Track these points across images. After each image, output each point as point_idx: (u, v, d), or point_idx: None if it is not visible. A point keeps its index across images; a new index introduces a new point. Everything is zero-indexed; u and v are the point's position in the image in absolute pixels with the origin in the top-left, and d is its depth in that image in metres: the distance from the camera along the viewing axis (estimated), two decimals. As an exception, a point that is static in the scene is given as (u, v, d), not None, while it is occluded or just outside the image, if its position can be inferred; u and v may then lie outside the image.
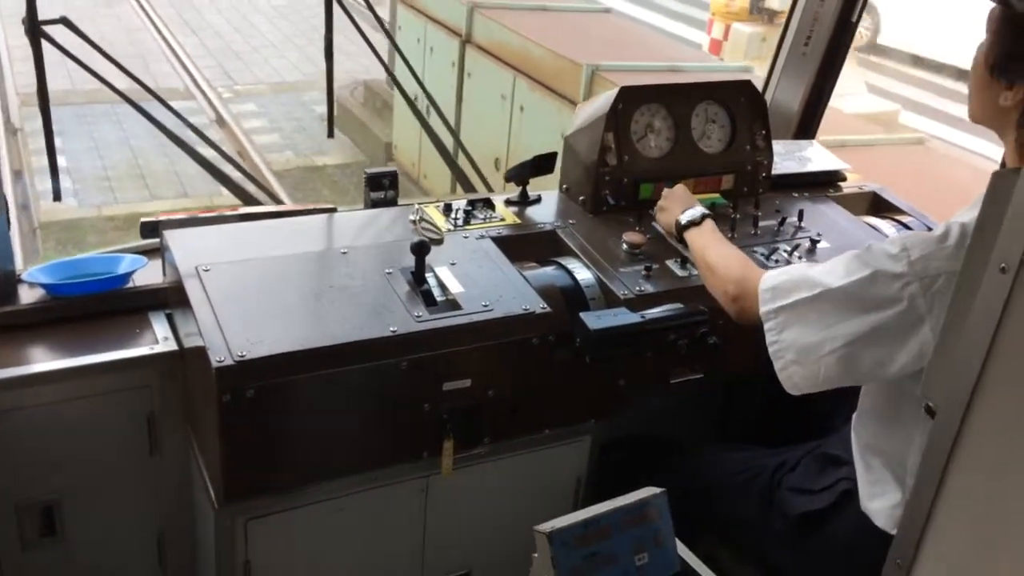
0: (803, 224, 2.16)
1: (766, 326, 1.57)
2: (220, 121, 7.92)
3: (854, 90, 7.61)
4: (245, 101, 8.89)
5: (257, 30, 11.18)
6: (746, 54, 8.92)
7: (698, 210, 1.89)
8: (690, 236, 1.86)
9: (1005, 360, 0.94)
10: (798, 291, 1.53)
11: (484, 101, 5.58)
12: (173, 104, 2.33)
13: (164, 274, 1.89)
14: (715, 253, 1.77)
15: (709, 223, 1.86)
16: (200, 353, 1.55)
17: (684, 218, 1.88)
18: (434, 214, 2.04)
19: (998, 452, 0.98)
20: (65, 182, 6.76)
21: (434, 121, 3.04)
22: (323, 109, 8.60)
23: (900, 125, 7.49)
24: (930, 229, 2.26)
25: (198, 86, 8.72)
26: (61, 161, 7.07)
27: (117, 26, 10.24)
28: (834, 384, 1.52)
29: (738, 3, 9.56)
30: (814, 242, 2.08)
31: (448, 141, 2.67)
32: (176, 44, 9.81)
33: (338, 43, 2.27)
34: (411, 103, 2.54)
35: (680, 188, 2.02)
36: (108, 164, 7.27)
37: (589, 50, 4.99)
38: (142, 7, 10.73)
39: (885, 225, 2.30)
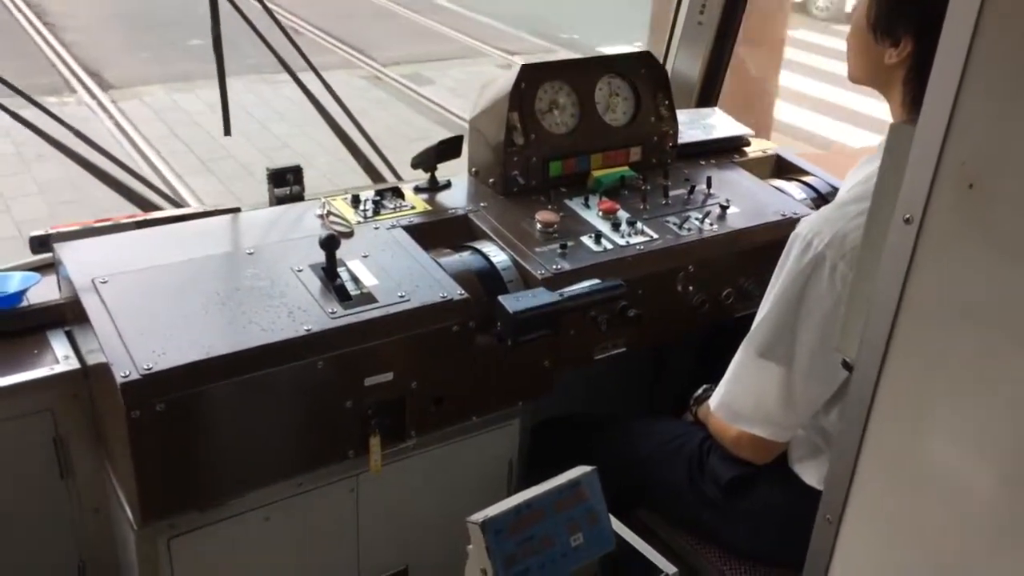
0: (712, 191, 2.18)
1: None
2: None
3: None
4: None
5: (276, 136, 6.96)
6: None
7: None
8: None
9: (915, 309, 0.95)
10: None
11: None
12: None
13: (60, 290, 1.80)
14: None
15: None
16: (104, 370, 1.48)
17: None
18: (342, 207, 1.99)
19: (914, 401, 1.00)
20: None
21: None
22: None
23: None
24: (832, 188, 2.32)
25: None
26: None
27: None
28: (823, 398, 1.56)
29: None
30: (723, 208, 2.10)
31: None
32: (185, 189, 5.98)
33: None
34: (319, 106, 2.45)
35: None
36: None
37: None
38: (120, 128, 6.96)
39: (790, 186, 2.34)
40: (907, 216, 0.93)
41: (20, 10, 9.95)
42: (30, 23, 9.61)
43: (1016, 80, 0.85)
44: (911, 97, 1.43)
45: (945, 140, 0.89)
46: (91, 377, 1.68)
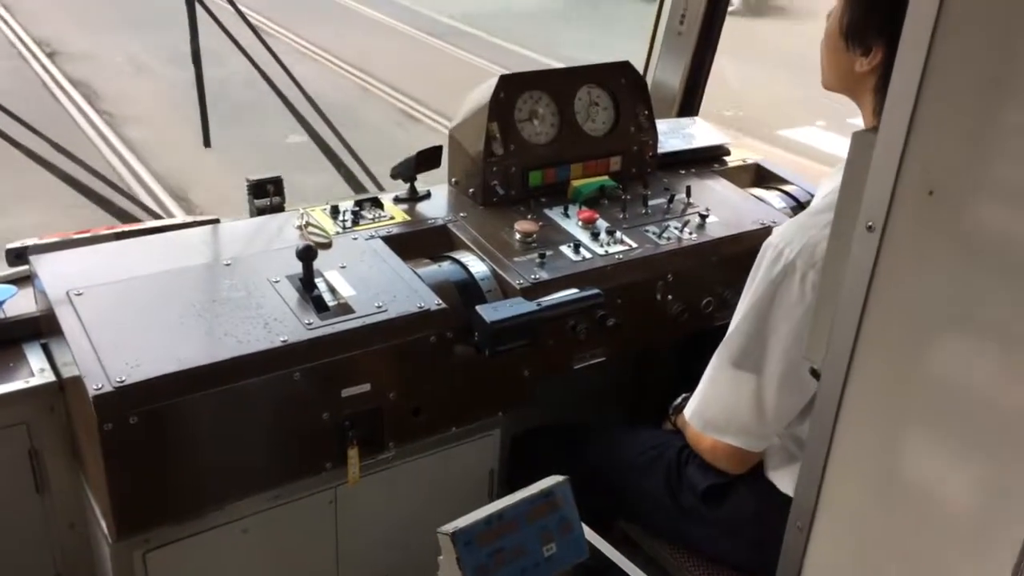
0: (691, 200, 2.18)
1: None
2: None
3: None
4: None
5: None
6: None
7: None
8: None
9: (879, 316, 0.96)
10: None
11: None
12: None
13: (36, 302, 1.79)
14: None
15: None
16: (77, 382, 1.47)
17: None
18: (321, 217, 1.99)
19: (881, 407, 1.00)
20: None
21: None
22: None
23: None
24: (811, 196, 2.33)
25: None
26: None
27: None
28: (797, 407, 1.55)
29: None
30: (703, 217, 2.11)
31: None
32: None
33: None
34: (292, 108, 2.47)
35: None
36: None
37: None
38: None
39: (770, 195, 2.35)
40: (870, 224, 0.93)
41: (67, 94, 7.91)
42: (82, 113, 7.53)
43: (974, 86, 0.86)
44: (882, 106, 1.43)
45: (905, 147, 0.89)
46: (66, 390, 1.67)
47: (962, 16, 0.83)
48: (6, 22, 9.96)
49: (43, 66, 8.60)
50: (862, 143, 0.94)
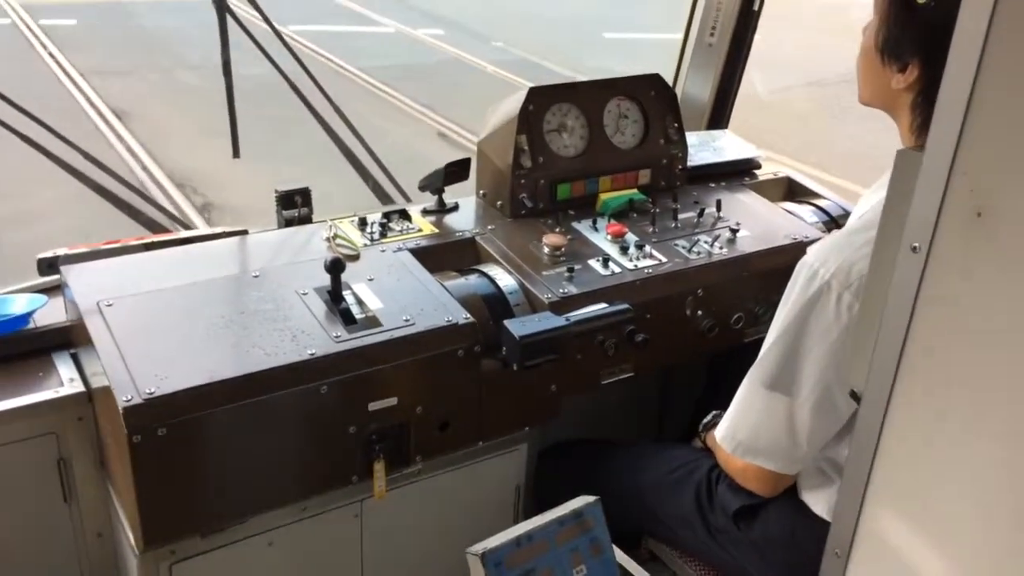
0: (722, 214, 2.16)
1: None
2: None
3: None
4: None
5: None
6: None
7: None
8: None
9: (923, 338, 0.93)
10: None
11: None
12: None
13: (66, 312, 1.80)
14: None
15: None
16: (107, 393, 1.47)
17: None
18: (349, 229, 1.98)
19: (924, 433, 0.98)
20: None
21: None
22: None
23: None
24: (844, 211, 2.30)
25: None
26: None
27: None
28: (831, 430, 1.52)
29: None
30: (734, 231, 2.08)
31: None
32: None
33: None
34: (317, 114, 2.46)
35: None
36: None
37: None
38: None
39: (802, 209, 2.32)
40: (914, 245, 0.91)
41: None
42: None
43: (1025, 106, 0.83)
44: (920, 122, 1.40)
45: (952, 167, 0.87)
46: (95, 400, 1.67)
47: (1014, 30, 0.80)
48: (127, 145, 6.74)
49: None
50: (907, 162, 0.91)
